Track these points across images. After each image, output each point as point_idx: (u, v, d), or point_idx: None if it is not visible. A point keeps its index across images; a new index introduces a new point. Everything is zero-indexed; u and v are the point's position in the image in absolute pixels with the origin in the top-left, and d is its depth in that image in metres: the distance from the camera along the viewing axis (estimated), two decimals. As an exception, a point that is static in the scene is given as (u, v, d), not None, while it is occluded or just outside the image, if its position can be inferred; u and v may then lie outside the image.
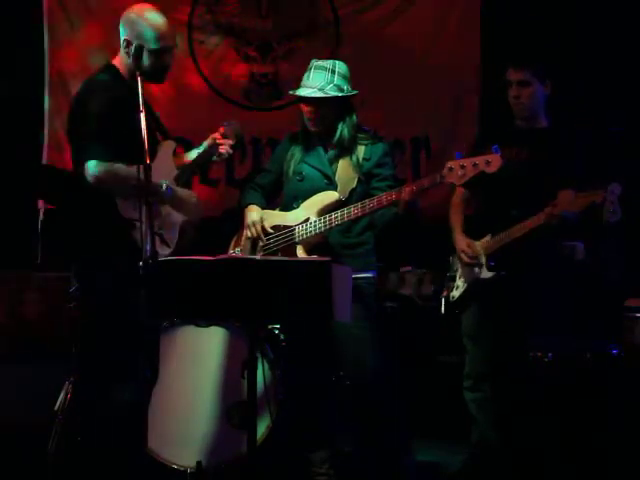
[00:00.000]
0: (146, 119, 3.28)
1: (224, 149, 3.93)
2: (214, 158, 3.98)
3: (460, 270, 4.17)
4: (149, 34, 3.64)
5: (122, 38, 3.70)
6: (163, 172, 3.74)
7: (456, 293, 4.16)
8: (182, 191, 3.80)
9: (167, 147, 3.89)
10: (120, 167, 3.56)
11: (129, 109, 3.43)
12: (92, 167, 3.55)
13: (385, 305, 5.29)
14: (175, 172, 3.88)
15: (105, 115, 3.58)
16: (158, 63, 3.67)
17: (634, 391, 4.18)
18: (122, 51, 3.71)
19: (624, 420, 4.14)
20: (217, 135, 3.95)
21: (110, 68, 3.76)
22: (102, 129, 3.57)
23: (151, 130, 3.57)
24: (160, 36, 3.65)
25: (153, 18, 3.67)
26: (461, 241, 4.13)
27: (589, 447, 4.11)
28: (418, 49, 5.98)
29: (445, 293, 4.23)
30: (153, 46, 3.64)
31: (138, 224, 3.39)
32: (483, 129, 4.50)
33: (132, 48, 3.64)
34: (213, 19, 5.92)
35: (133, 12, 3.70)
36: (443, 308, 4.23)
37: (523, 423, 4.09)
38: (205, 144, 3.96)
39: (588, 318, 4.69)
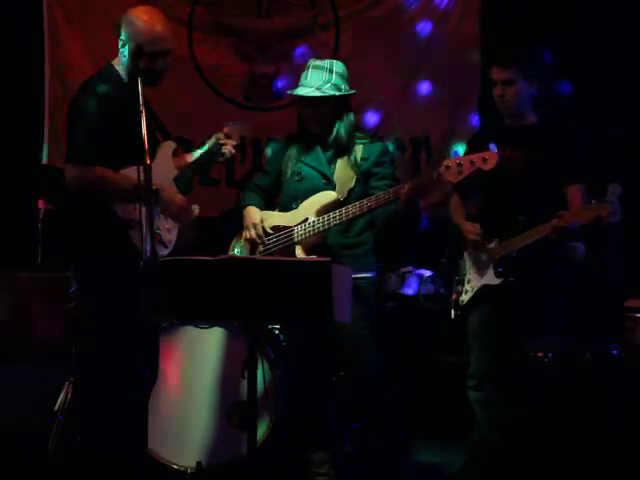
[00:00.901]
0: (145, 119, 3.27)
1: (227, 149, 3.93)
2: (218, 159, 3.98)
3: (469, 275, 4.16)
4: (143, 36, 3.63)
5: (120, 35, 3.70)
6: (162, 173, 3.74)
7: (465, 297, 4.15)
8: (168, 195, 3.75)
9: (167, 147, 3.89)
10: (103, 172, 3.57)
11: (125, 109, 3.43)
12: (68, 171, 3.59)
13: (385, 305, 5.29)
14: (174, 172, 3.88)
15: (89, 117, 3.58)
16: (151, 66, 3.66)
17: (634, 391, 4.17)
18: (120, 51, 3.72)
19: (624, 420, 4.14)
20: (220, 135, 3.95)
21: (108, 69, 3.76)
22: (84, 132, 3.58)
23: (151, 130, 3.57)
24: (154, 39, 3.63)
25: (150, 20, 3.66)
26: (467, 225, 4.13)
27: (589, 447, 4.10)
28: (418, 49, 5.97)
29: (454, 297, 4.22)
30: (146, 48, 3.62)
31: (135, 225, 3.40)
32: (476, 131, 4.49)
33: (127, 48, 3.65)
34: (213, 19, 5.92)
35: (133, 13, 3.70)
36: (453, 313, 4.21)
37: (523, 423, 4.09)
38: (208, 144, 3.95)
39: (588, 318, 4.69)
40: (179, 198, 3.78)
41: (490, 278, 4.03)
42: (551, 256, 4.01)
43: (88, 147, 3.57)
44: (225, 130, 3.96)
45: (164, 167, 3.81)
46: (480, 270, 4.11)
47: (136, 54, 3.61)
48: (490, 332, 4.09)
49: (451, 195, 4.36)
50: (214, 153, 3.94)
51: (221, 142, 3.92)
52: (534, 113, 4.10)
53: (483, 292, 4.08)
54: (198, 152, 3.97)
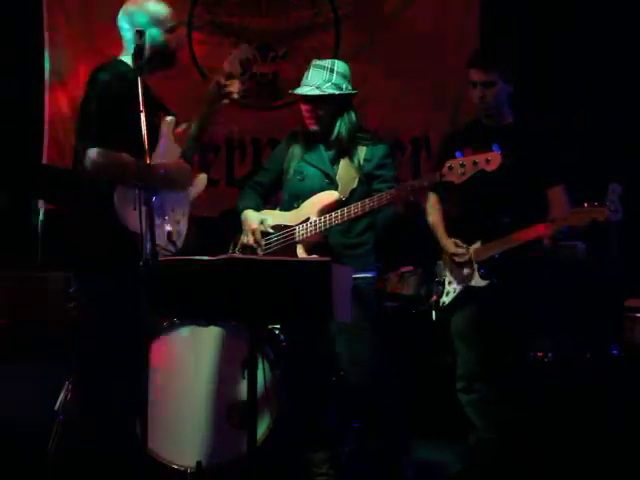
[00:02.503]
0: (147, 102, 3.24)
1: (234, 89, 3.72)
2: (224, 101, 3.74)
3: (449, 276, 4.14)
4: (157, 16, 3.63)
5: (127, 30, 3.65)
6: (169, 153, 3.67)
7: (447, 299, 4.11)
8: (174, 166, 3.64)
9: (168, 124, 3.79)
10: (121, 156, 3.47)
11: (134, 102, 3.41)
12: (92, 153, 3.45)
13: (385, 305, 5.29)
14: (178, 151, 3.78)
15: (108, 100, 3.50)
16: (165, 45, 3.64)
17: (634, 391, 4.18)
18: (128, 44, 3.65)
19: (624, 420, 4.14)
20: (219, 78, 3.73)
21: (114, 61, 3.74)
22: (104, 114, 3.50)
23: (152, 110, 3.51)
24: (164, 18, 3.64)
25: (152, 3, 3.66)
26: (449, 244, 4.09)
27: (589, 447, 4.11)
28: (418, 49, 5.97)
29: (435, 299, 4.17)
30: (159, 30, 3.62)
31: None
32: (452, 131, 4.44)
33: (139, 36, 3.59)
34: (213, 19, 5.92)
35: (131, 3, 3.69)
36: (434, 314, 4.17)
37: (523, 423, 4.08)
38: (206, 94, 3.75)
39: (588, 318, 4.69)
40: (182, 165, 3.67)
41: (476, 280, 4.01)
42: (538, 256, 3.99)
43: (108, 130, 3.47)
44: (225, 69, 3.74)
45: (170, 147, 3.72)
46: (460, 271, 4.07)
47: (146, 40, 3.56)
48: (478, 332, 4.03)
49: (427, 196, 4.33)
50: (217, 99, 3.72)
51: (222, 83, 3.71)
52: (511, 112, 4.10)
53: (468, 293, 4.05)
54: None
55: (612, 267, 4.98)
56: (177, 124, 3.82)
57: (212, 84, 3.74)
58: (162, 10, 3.66)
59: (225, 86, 3.71)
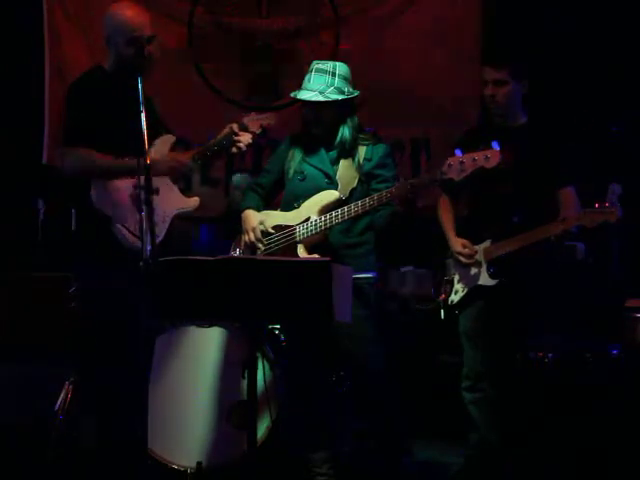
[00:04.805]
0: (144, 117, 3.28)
1: (243, 140, 3.83)
2: (230, 151, 3.88)
3: (458, 275, 4.15)
4: (120, 27, 3.68)
5: (105, 36, 3.77)
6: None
7: (455, 298, 4.11)
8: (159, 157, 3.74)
9: (165, 141, 3.85)
10: (90, 154, 3.61)
11: (117, 105, 3.45)
12: (58, 155, 3.73)
13: (385, 305, 5.29)
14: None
15: (78, 112, 3.65)
16: (132, 55, 3.67)
17: (634, 391, 4.18)
18: (106, 47, 3.77)
19: (624, 420, 4.14)
20: (234, 126, 3.86)
21: (96, 68, 3.81)
22: (71, 120, 3.67)
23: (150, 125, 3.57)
24: (131, 28, 3.67)
25: (124, 11, 3.71)
26: (456, 243, 4.10)
27: (589, 447, 4.11)
28: (418, 49, 5.97)
29: (443, 297, 4.19)
30: (124, 38, 3.67)
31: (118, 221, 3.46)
32: (468, 130, 4.47)
33: (111, 43, 3.70)
34: (213, 19, 5.93)
35: (110, 9, 3.77)
36: (443, 313, 4.18)
37: (524, 423, 4.09)
38: (219, 135, 3.88)
39: (588, 318, 4.69)
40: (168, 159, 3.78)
41: (484, 279, 4.01)
42: (546, 255, 3.99)
43: (73, 131, 3.62)
44: (244, 120, 3.87)
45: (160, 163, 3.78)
46: (469, 270, 4.08)
47: (116, 46, 3.68)
48: (485, 331, 4.05)
49: (439, 196, 4.34)
50: (225, 145, 3.86)
51: (235, 132, 3.83)
52: (525, 113, 4.10)
53: (477, 292, 4.05)
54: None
55: (612, 267, 4.99)
56: (175, 144, 3.89)
57: (227, 129, 3.86)
58: (123, 22, 3.70)
59: (237, 135, 3.82)
